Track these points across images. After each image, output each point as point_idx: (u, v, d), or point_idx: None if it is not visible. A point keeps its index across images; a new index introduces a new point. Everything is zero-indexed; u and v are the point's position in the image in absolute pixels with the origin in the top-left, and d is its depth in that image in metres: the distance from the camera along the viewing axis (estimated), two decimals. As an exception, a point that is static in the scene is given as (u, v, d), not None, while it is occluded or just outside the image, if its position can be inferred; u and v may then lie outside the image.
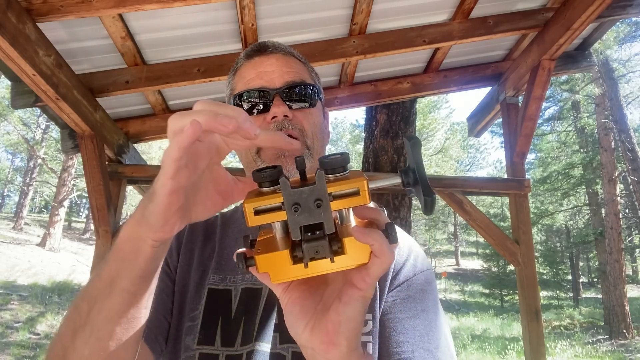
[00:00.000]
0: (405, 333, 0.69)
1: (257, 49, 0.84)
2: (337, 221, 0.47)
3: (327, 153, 0.86)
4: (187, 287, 0.77)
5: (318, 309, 0.48)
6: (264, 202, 0.41)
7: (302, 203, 0.40)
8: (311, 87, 0.82)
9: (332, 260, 0.43)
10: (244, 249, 0.46)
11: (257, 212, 0.41)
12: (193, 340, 0.70)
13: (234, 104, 0.80)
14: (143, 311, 0.53)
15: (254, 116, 0.79)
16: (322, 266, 0.44)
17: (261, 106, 0.79)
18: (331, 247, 0.42)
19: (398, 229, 0.84)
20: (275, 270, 0.44)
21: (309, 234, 0.41)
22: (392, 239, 0.43)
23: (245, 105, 0.80)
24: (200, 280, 0.77)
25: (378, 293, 0.73)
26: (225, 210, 0.90)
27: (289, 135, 0.75)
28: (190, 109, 0.42)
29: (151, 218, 0.44)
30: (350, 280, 0.45)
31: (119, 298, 0.49)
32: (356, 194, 0.41)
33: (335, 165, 0.42)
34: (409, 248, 0.80)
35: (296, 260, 0.43)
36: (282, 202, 0.40)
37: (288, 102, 0.79)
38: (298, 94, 0.80)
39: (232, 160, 27.18)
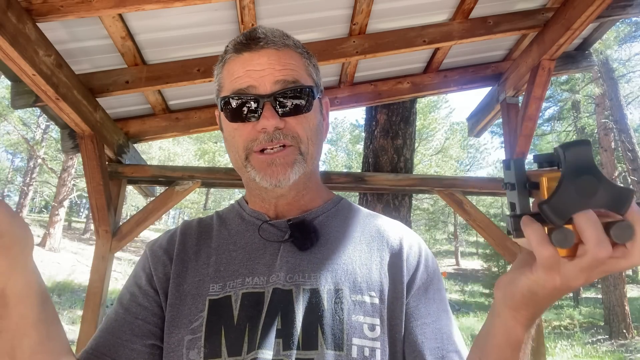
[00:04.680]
0: (434, 338, 0.72)
1: (247, 43, 0.75)
2: None
3: (323, 151, 0.85)
4: (182, 299, 0.73)
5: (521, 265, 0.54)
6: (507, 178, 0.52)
7: (510, 184, 0.50)
8: (307, 89, 0.75)
9: (512, 236, 0.49)
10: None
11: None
12: (198, 355, 0.67)
13: (222, 106, 0.76)
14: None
15: (242, 124, 0.74)
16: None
17: (249, 113, 0.73)
18: (513, 226, 0.48)
19: (400, 226, 0.84)
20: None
21: (513, 211, 0.50)
22: (554, 240, 0.45)
23: (232, 111, 0.74)
24: (198, 291, 0.73)
25: (387, 298, 0.72)
26: (222, 209, 0.89)
27: (282, 146, 0.73)
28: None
29: None
30: (533, 263, 0.50)
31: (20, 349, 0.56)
32: (537, 187, 0.47)
33: (542, 160, 0.49)
34: (419, 248, 0.80)
35: None
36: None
37: (281, 109, 0.72)
38: (291, 99, 0.73)
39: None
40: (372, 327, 0.69)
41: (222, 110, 0.76)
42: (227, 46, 0.78)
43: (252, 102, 0.72)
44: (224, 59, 0.78)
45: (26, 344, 0.55)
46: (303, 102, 0.74)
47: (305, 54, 0.80)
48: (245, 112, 0.73)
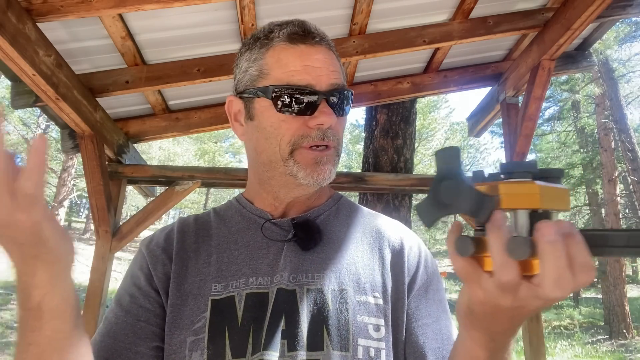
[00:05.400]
0: (435, 339, 0.72)
1: (302, 34, 0.73)
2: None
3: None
4: (184, 300, 0.72)
5: None
6: None
7: None
8: (350, 94, 0.77)
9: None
10: None
11: None
12: (202, 356, 0.66)
13: (270, 94, 0.71)
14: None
15: (291, 116, 0.71)
16: None
17: (304, 107, 0.70)
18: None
19: (400, 226, 0.84)
20: None
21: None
22: (456, 249, 0.43)
23: (285, 101, 0.70)
24: (199, 291, 0.72)
25: (390, 299, 0.73)
26: (219, 206, 0.87)
27: (326, 146, 0.72)
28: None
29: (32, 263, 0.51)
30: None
31: (66, 352, 0.55)
32: None
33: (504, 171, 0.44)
34: (418, 248, 0.80)
35: None
36: None
37: (333, 109, 0.72)
38: (340, 101, 0.74)
39: (232, 161, 27.14)
40: (377, 328, 0.69)
41: (269, 98, 0.72)
42: (273, 32, 0.75)
43: (309, 97, 0.71)
44: (269, 45, 0.74)
45: (56, 359, 0.54)
46: (347, 105, 0.76)
47: (339, 58, 0.81)
48: (300, 106, 0.71)
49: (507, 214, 0.42)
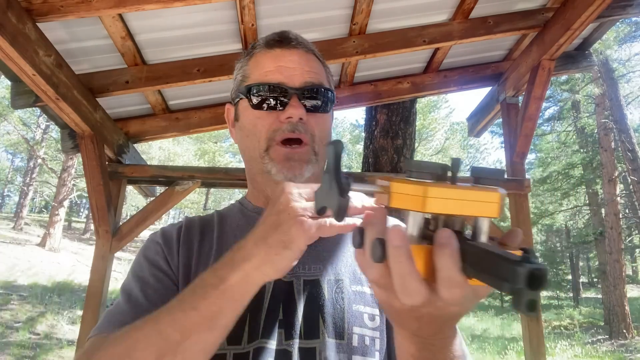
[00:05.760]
0: None
1: (280, 40, 0.80)
2: None
3: None
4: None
5: None
6: None
7: None
8: (329, 92, 0.80)
9: None
10: None
11: None
12: None
13: (246, 93, 0.78)
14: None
15: (265, 112, 0.76)
16: None
17: (276, 102, 0.76)
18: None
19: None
20: None
21: None
22: (352, 239, 0.44)
23: (258, 98, 0.77)
24: None
25: None
26: (222, 208, 0.90)
27: (299, 139, 0.75)
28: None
29: (282, 265, 0.52)
30: None
31: (218, 333, 0.54)
32: None
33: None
34: None
35: None
36: None
37: (304, 104, 0.76)
38: (315, 97, 0.78)
39: (232, 161, 27.15)
40: (372, 317, 0.71)
41: (247, 97, 0.79)
42: (257, 42, 0.83)
43: (280, 93, 0.76)
44: (252, 53, 0.83)
45: (202, 339, 0.52)
46: (324, 102, 0.80)
47: (325, 64, 0.86)
48: (271, 102, 0.76)
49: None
